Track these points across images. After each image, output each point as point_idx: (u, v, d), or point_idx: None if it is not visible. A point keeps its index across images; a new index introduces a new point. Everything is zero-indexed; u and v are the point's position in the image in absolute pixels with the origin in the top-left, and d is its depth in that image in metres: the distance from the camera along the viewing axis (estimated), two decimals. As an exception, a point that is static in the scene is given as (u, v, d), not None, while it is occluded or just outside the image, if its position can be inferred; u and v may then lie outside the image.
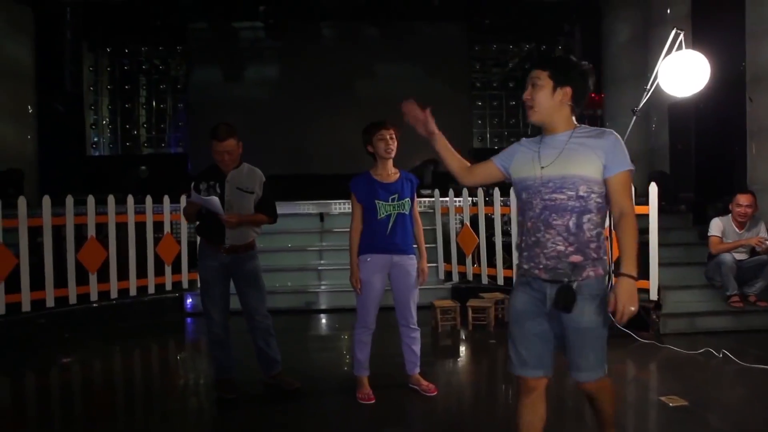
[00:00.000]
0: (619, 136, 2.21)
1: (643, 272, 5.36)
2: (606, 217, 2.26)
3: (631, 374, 4.50)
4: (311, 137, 11.52)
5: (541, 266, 2.17)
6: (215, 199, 3.56)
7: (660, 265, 5.31)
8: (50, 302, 5.71)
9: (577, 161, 2.15)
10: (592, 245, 2.15)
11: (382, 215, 3.58)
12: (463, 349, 5.33)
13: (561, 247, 2.14)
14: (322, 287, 7.01)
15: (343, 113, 11.57)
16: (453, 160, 2.55)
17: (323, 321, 6.51)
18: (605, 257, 2.21)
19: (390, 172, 3.67)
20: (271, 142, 10.73)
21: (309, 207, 8.00)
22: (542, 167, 2.17)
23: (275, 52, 12.01)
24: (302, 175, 10.88)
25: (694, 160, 8.06)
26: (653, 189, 5.36)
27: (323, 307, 6.80)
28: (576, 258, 2.14)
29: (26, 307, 5.54)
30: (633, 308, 2.06)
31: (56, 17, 11.24)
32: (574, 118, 2.24)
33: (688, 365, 4.43)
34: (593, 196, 2.15)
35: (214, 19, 11.67)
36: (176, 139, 13.27)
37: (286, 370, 3.97)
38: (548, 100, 2.21)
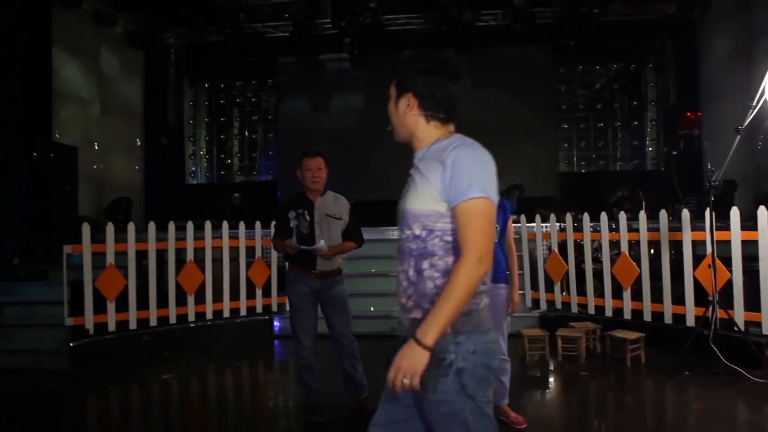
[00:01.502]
0: (468, 150, 1.67)
1: (754, 303, 4.96)
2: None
3: (743, 417, 4.13)
4: (395, 164, 11.62)
5: (398, 322, 1.78)
6: (322, 243, 3.72)
7: (772, 296, 4.88)
8: (153, 321, 6.11)
9: (413, 191, 1.73)
10: (436, 298, 1.61)
11: None
12: (552, 380, 5.12)
13: (403, 300, 1.74)
14: (406, 313, 7.01)
15: (425, 139, 11.68)
16: None
17: (407, 347, 6.49)
18: (481, 306, 1.73)
19: None
20: (356, 168, 10.99)
21: (393, 233, 8.08)
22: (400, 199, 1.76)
23: (360, 82, 12.36)
24: (386, 201, 10.99)
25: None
26: (762, 213, 4.97)
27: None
28: (416, 314, 1.69)
29: (133, 325, 5.97)
30: (407, 381, 1.59)
31: (162, 58, 12.27)
32: (439, 128, 1.82)
33: (809, 408, 4.02)
34: (435, 234, 1.67)
35: (301, 53, 12.22)
36: (266, 168, 13.91)
37: (370, 395, 3.99)
38: (394, 113, 1.85)
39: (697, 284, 5.36)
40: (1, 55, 7.94)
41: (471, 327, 1.68)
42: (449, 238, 1.67)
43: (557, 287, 6.58)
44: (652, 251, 6.00)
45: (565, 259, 6.48)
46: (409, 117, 1.82)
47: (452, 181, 1.62)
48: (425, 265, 1.69)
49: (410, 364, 1.60)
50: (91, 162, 10.07)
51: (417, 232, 1.70)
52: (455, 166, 1.63)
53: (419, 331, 1.59)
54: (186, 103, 13.18)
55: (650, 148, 12.25)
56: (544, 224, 6.90)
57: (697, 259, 5.45)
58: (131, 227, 6.15)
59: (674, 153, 10.47)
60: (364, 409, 3.93)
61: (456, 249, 1.66)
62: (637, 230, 5.95)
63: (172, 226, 6.33)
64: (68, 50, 9.52)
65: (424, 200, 1.68)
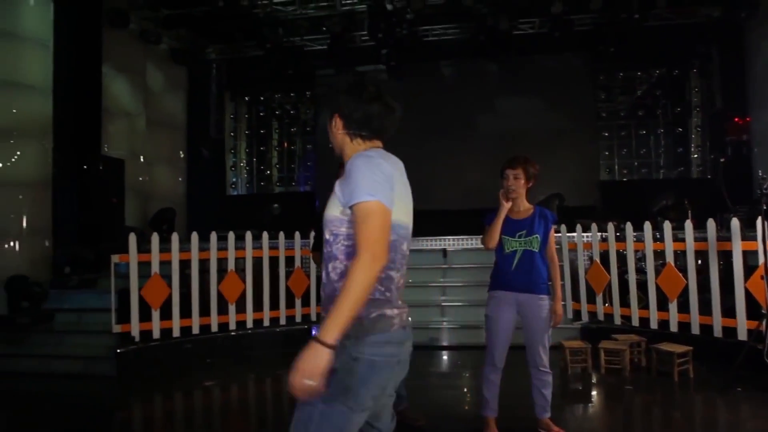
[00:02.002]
0: (362, 159, 1.76)
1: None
2: (393, 261, 1.81)
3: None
4: (433, 174, 11.66)
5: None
6: None
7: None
8: (195, 329, 6.25)
9: (329, 200, 1.83)
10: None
11: (508, 250, 3.52)
12: (595, 394, 5.00)
13: (322, 302, 1.86)
14: (445, 324, 6.97)
15: (464, 150, 11.66)
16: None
17: (446, 358, 6.45)
18: (372, 315, 1.74)
19: (521, 208, 3.57)
20: (393, 178, 11.01)
21: (429, 242, 8.06)
22: None
23: (397, 93, 12.13)
24: (425, 211, 10.98)
25: None
26: (818, 222, 4.75)
27: (446, 343, 6.75)
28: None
29: (176, 332, 6.12)
30: (309, 381, 1.61)
31: (205, 73, 12.65)
32: (362, 145, 1.92)
33: None
34: (339, 238, 1.77)
35: (339, 65, 12.37)
36: (305, 178, 14.10)
37: (411, 406, 3.97)
38: (330, 133, 1.98)
39: (748, 296, 5.17)
40: (57, 74, 8.32)
41: (359, 333, 1.72)
42: (349, 243, 1.76)
43: (599, 298, 6.43)
44: (699, 262, 5.81)
45: (607, 269, 6.33)
46: (338, 135, 1.95)
47: (348, 187, 1.74)
48: (330, 268, 1.80)
49: (312, 365, 1.62)
50: (137, 174, 10.41)
51: (327, 236, 1.82)
52: (349, 173, 1.75)
53: (320, 331, 1.63)
54: (227, 116, 13.51)
55: (695, 155, 11.89)
56: (585, 234, 6.77)
57: (749, 270, 5.25)
58: (175, 237, 6.33)
59: (722, 160, 10.12)
60: (403, 419, 3.92)
61: (352, 253, 1.73)
62: (683, 240, 5.78)
63: (214, 236, 6.48)
64: (117, 68, 9.91)
65: (331, 207, 1.80)
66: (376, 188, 1.72)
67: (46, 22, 8.34)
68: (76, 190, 8.62)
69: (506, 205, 3.50)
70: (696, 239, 5.70)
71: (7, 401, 5.34)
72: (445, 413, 4.34)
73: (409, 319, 1.91)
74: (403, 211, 1.88)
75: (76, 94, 8.66)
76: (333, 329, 1.62)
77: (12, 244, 7.79)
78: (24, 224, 7.93)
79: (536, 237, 3.48)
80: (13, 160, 7.84)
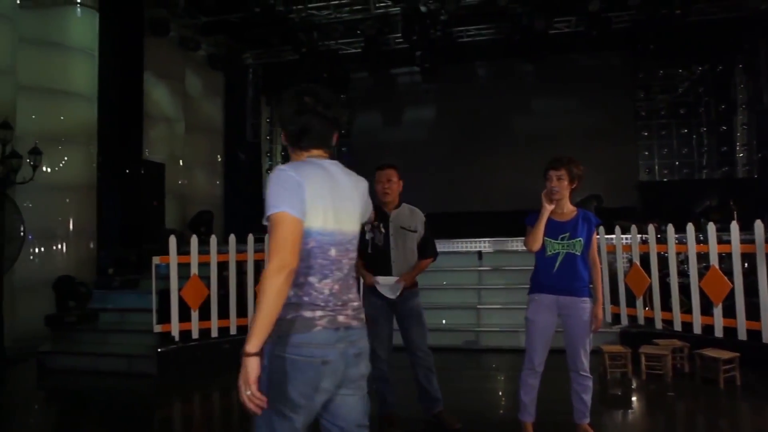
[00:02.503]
0: (274, 173, 1.87)
1: None
2: (312, 266, 1.88)
3: None
4: (468, 175, 11.61)
5: None
6: (390, 279, 3.81)
7: None
8: (233, 330, 6.36)
9: None
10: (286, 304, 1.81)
11: (550, 253, 3.43)
12: (635, 399, 4.88)
13: None
14: (480, 326, 6.91)
15: (500, 151, 11.58)
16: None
17: (481, 360, 6.40)
18: (288, 317, 1.83)
19: (565, 210, 3.47)
20: (430, 181, 11.00)
21: (465, 245, 8.01)
22: None
23: (432, 95, 12.42)
24: (460, 213, 10.97)
25: None
26: None
27: (482, 346, 6.69)
28: None
29: (214, 333, 6.24)
30: (246, 392, 1.73)
31: (241, 78, 12.90)
32: (300, 156, 2.01)
33: None
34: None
35: (373, 68, 12.45)
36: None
37: (446, 408, 3.96)
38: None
39: (798, 301, 4.96)
40: (101, 81, 8.64)
41: (279, 334, 1.83)
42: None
43: (639, 302, 6.27)
44: (746, 264, 5.61)
45: (648, 272, 6.18)
46: (291, 149, 2.04)
47: (267, 200, 1.85)
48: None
49: (244, 376, 1.75)
50: (176, 177, 10.69)
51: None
52: (269, 187, 1.86)
53: (246, 345, 1.75)
54: (263, 120, 13.74)
55: (741, 154, 11.49)
56: (624, 236, 6.62)
57: (798, 273, 5.03)
58: (213, 239, 6.46)
59: (769, 159, 9.77)
60: (439, 422, 3.91)
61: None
62: (728, 242, 5.58)
63: (251, 238, 6.59)
64: (157, 74, 10.21)
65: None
66: (280, 200, 1.82)
67: (92, 33, 8.67)
68: (119, 194, 8.91)
69: (548, 207, 3.42)
70: (742, 241, 5.50)
71: (56, 397, 5.55)
72: (480, 417, 4.30)
73: (353, 322, 1.96)
74: (329, 217, 1.92)
75: (119, 100, 8.95)
76: (252, 338, 1.74)
77: (60, 246, 8.11)
78: (71, 227, 8.25)
79: (579, 240, 3.39)
80: (61, 165, 8.15)
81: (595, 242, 3.53)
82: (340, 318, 1.93)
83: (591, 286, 3.49)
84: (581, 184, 3.49)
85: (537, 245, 3.46)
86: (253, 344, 1.74)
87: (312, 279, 1.90)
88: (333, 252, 1.94)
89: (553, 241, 3.43)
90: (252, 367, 1.75)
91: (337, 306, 1.93)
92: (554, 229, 3.44)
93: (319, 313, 1.89)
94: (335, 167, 2.03)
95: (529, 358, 3.52)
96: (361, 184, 2.11)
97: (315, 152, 2.02)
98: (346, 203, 1.99)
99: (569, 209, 3.49)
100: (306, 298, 1.89)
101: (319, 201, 1.89)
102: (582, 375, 3.46)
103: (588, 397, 3.50)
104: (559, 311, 3.45)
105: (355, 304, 2.02)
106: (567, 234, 3.42)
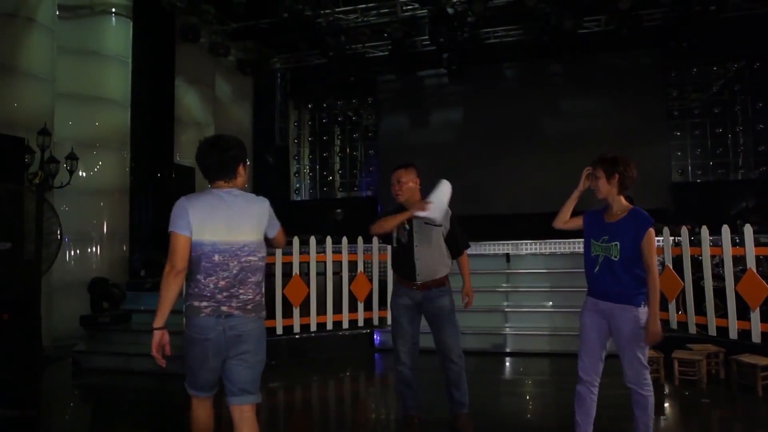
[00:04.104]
0: (177, 201, 2.65)
1: None
2: (200, 268, 2.63)
3: None
4: (496, 177, 11.51)
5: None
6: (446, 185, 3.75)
7: None
8: (261, 332, 6.42)
9: None
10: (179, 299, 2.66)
11: (593, 254, 3.30)
12: (668, 406, 4.76)
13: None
14: (508, 329, 6.85)
15: (528, 152, 11.46)
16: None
17: (508, 364, 6.34)
18: (187, 304, 2.63)
19: (615, 211, 3.26)
20: (457, 183, 10.83)
21: (493, 247, 7.95)
22: None
23: (459, 97, 12.36)
24: (488, 215, 10.89)
25: None
26: None
27: (509, 350, 6.63)
28: None
29: (243, 335, 6.31)
30: (153, 353, 2.57)
31: (270, 82, 13.07)
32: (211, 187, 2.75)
33: None
34: None
35: (400, 71, 12.47)
36: (366, 184, 14.26)
37: (474, 411, 3.89)
38: None
39: (840, 305, 4.78)
40: (134, 88, 8.86)
41: (185, 316, 2.62)
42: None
43: (672, 306, 6.13)
44: (784, 268, 5.44)
45: (681, 275, 6.03)
46: None
47: None
48: None
49: (152, 342, 2.59)
50: (206, 181, 10.85)
51: None
52: None
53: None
54: (291, 124, 13.89)
55: (780, 154, 11.13)
56: (656, 238, 6.46)
57: (841, 277, 4.86)
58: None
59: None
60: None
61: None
62: (766, 245, 5.42)
63: (280, 240, 6.65)
64: (188, 80, 10.42)
65: None
66: (172, 222, 2.59)
67: (126, 40, 8.90)
68: (151, 197, 9.10)
69: (580, 186, 3.34)
70: (780, 244, 5.34)
71: (90, 396, 5.70)
72: (506, 421, 4.26)
73: (235, 311, 2.60)
74: (217, 231, 2.58)
75: (151, 106, 9.16)
76: (156, 317, 2.58)
77: (94, 248, 8.33)
78: (104, 229, 8.47)
79: (615, 245, 3.19)
80: (95, 169, 8.38)
81: (650, 244, 3.14)
82: (224, 308, 2.58)
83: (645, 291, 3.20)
84: (631, 182, 3.27)
85: (558, 222, 3.45)
86: (156, 321, 2.58)
87: (199, 276, 2.59)
88: (217, 258, 2.58)
89: (595, 242, 3.29)
90: (156, 337, 2.57)
91: (223, 298, 2.59)
92: (599, 229, 3.28)
93: (204, 303, 2.58)
94: (230, 194, 2.67)
95: (579, 364, 3.32)
96: (256, 205, 2.71)
97: (217, 183, 2.70)
98: (238, 220, 2.63)
99: (619, 209, 3.26)
100: (196, 290, 2.60)
101: (206, 221, 2.57)
102: (630, 387, 3.23)
103: (639, 413, 3.22)
104: (604, 316, 3.25)
105: (246, 297, 2.63)
106: (606, 236, 3.24)
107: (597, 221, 3.32)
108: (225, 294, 2.58)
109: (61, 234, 7.23)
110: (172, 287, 2.54)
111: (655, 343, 3.17)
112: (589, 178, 3.34)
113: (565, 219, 3.44)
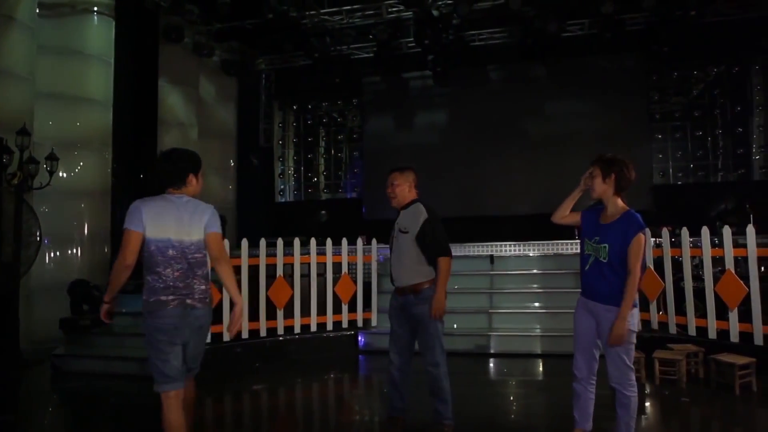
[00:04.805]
0: (133, 203, 3.02)
1: None
2: (158, 261, 3.01)
3: None
4: (481, 179, 11.58)
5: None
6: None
7: None
8: (245, 334, 6.39)
9: None
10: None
11: (586, 253, 3.34)
12: (649, 405, 4.81)
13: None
14: (492, 331, 6.88)
15: (512, 154, 11.53)
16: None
17: (492, 365, 6.36)
18: (152, 300, 2.98)
19: (609, 212, 3.27)
20: (442, 185, 10.97)
21: (476, 248, 7.99)
22: None
23: (444, 98, 12.40)
24: (472, 217, 10.95)
25: None
26: None
27: (493, 351, 6.66)
28: None
29: (226, 337, 6.26)
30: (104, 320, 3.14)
31: (254, 83, 13.01)
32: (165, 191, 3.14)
33: None
34: None
35: (385, 72, 12.47)
36: (352, 185, 14.25)
37: (456, 412, 3.89)
38: None
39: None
40: (117, 88, 8.76)
41: (148, 309, 2.97)
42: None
43: (653, 306, 6.21)
44: (762, 269, 5.53)
45: (662, 276, 6.11)
46: None
47: None
48: None
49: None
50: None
51: None
52: None
53: None
54: (275, 125, 13.83)
55: (758, 157, 11.33)
56: (638, 240, 6.54)
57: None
58: (225, 244, 6.49)
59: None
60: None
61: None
62: (744, 246, 5.51)
63: (263, 242, 6.62)
64: (172, 81, 10.33)
65: None
66: (127, 220, 2.97)
67: (108, 40, 8.80)
68: (133, 199, 8.97)
69: (581, 185, 3.36)
70: (759, 245, 5.43)
71: (70, 400, 5.62)
72: (490, 422, 4.27)
73: (197, 304, 3.03)
74: (168, 230, 2.99)
75: (134, 106, 9.08)
76: (106, 294, 3.10)
77: (75, 250, 8.22)
78: (86, 231, 8.36)
79: (605, 247, 3.21)
80: (76, 170, 8.27)
81: (636, 249, 3.11)
82: (188, 301, 3.00)
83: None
84: (627, 183, 3.25)
85: (556, 217, 3.50)
86: (106, 296, 3.10)
87: (159, 269, 2.98)
88: (171, 252, 3.00)
89: (588, 241, 3.32)
90: (103, 308, 3.10)
91: (183, 289, 2.98)
92: (593, 229, 3.31)
93: (171, 297, 2.96)
94: (180, 199, 3.09)
95: (573, 361, 3.39)
96: (199, 209, 3.12)
97: (169, 190, 3.11)
98: (186, 221, 3.04)
99: (614, 211, 3.26)
100: (160, 284, 2.96)
101: (158, 220, 2.97)
102: (613, 386, 3.27)
103: (621, 413, 3.25)
104: (593, 315, 3.30)
105: (200, 288, 3.05)
106: (598, 237, 3.26)
107: (593, 221, 3.35)
108: (182, 284, 2.99)
109: (40, 236, 7.13)
110: (122, 279, 3.00)
111: (618, 345, 3.16)
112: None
113: (563, 215, 3.49)
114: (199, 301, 3.03)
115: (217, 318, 6.20)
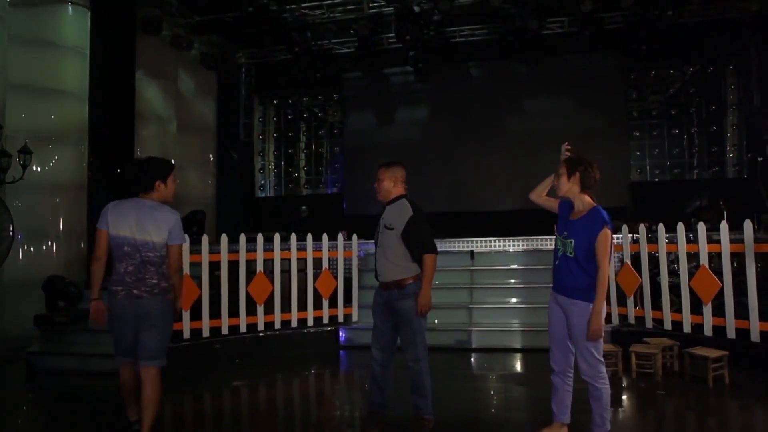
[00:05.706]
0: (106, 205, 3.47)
1: None
2: (117, 256, 3.43)
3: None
4: (461, 175, 11.62)
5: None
6: None
7: None
8: (225, 330, 6.35)
9: None
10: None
11: (557, 246, 3.45)
12: (625, 398, 4.90)
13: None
14: (473, 326, 6.92)
15: (492, 150, 11.60)
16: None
17: (473, 360, 6.41)
18: (111, 288, 3.44)
19: (577, 209, 3.37)
20: (422, 181, 10.96)
21: (458, 244, 8.02)
22: None
23: (425, 94, 12.41)
24: (453, 212, 10.99)
25: None
26: None
27: (474, 346, 6.70)
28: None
29: (206, 333, 6.22)
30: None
31: (234, 78, 12.87)
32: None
33: None
34: None
35: (366, 68, 12.45)
36: (333, 181, 14.20)
37: (437, 409, 3.91)
38: None
39: (787, 299, 5.00)
40: (92, 80, 8.57)
41: (107, 298, 3.44)
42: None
43: (630, 301, 6.31)
44: (735, 264, 5.65)
45: (639, 271, 6.21)
46: None
47: None
48: None
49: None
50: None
51: None
52: None
53: None
54: (255, 120, 13.71)
55: (731, 155, 11.58)
56: (615, 235, 6.64)
57: (787, 272, 5.08)
58: (205, 239, 6.43)
59: (759, 159, 9.83)
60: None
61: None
62: (718, 242, 5.63)
63: (243, 238, 6.57)
64: (149, 74, 10.16)
65: None
66: (99, 220, 3.44)
67: (83, 31, 8.61)
68: (110, 194, 8.82)
69: (552, 176, 3.49)
70: (732, 241, 5.55)
71: (45, 398, 5.51)
72: (470, 417, 4.30)
73: (144, 294, 3.38)
74: (131, 229, 3.40)
75: (110, 99, 8.87)
76: (91, 292, 3.50)
77: (49, 245, 8.06)
78: (61, 226, 8.20)
79: (571, 242, 3.30)
80: (51, 164, 8.10)
81: (603, 244, 3.20)
82: (135, 291, 3.38)
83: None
84: (592, 182, 3.35)
85: (532, 195, 3.63)
86: (92, 294, 3.49)
87: (116, 264, 3.41)
88: (126, 248, 3.39)
89: (558, 236, 3.43)
90: (92, 305, 3.47)
91: (132, 282, 3.38)
92: (563, 223, 3.42)
93: (120, 287, 3.39)
94: (146, 203, 3.49)
95: (549, 355, 3.51)
96: (161, 214, 3.47)
97: (141, 194, 3.52)
98: (144, 222, 3.41)
99: (581, 208, 3.36)
100: (115, 276, 3.40)
101: (121, 220, 3.38)
102: (583, 379, 3.37)
103: (595, 405, 3.37)
104: (562, 309, 3.42)
105: (151, 282, 3.40)
106: (566, 233, 3.36)
107: (564, 216, 3.44)
108: (133, 278, 3.38)
109: (13, 231, 6.98)
110: (95, 271, 3.45)
111: (596, 339, 3.26)
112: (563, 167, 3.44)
113: (539, 194, 3.59)
114: (146, 292, 3.38)
115: (196, 314, 6.16)
